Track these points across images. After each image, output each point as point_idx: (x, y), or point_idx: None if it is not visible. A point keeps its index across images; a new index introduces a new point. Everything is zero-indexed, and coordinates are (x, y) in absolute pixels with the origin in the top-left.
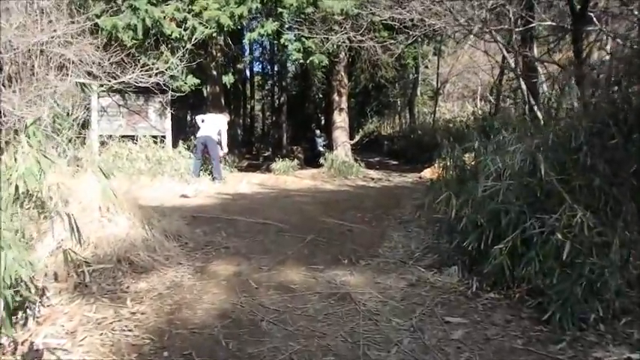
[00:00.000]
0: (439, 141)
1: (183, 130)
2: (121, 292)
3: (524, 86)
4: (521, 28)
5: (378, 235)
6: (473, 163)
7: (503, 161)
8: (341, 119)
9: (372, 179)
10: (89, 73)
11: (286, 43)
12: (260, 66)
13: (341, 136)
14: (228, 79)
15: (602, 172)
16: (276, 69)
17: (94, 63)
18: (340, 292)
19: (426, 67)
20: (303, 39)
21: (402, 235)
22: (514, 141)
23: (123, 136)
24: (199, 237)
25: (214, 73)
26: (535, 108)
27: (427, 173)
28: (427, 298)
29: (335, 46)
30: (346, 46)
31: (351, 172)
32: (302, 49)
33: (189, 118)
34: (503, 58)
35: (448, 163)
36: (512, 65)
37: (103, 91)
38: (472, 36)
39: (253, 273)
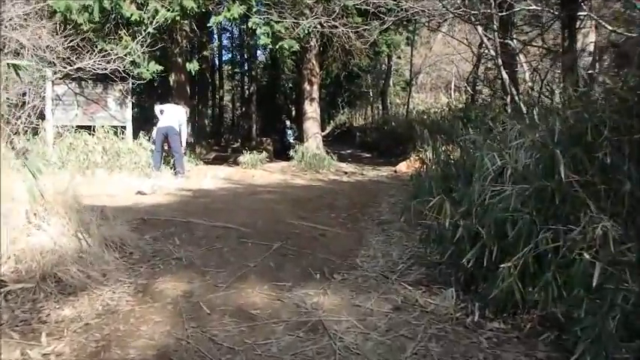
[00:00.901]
0: (416, 133)
1: (150, 121)
2: (38, 323)
3: (505, 75)
4: (504, 12)
5: (355, 240)
6: (460, 157)
7: (502, 158)
8: (312, 110)
9: (345, 173)
10: (42, 59)
11: (254, 27)
12: (230, 55)
13: (312, 127)
14: (192, 66)
15: (626, 173)
16: (245, 57)
17: (47, 47)
18: (311, 319)
19: (399, 57)
20: (273, 23)
21: (381, 241)
22: (516, 134)
23: (81, 127)
24: (147, 245)
25: (179, 60)
26: (517, 98)
27: (402, 167)
28: (418, 330)
29: (306, 32)
30: (318, 31)
31: (323, 165)
32: (271, 34)
33: (156, 107)
34: (480, 45)
35: (429, 157)
36: (493, 53)
37: (59, 78)
38: (447, 24)
39: (207, 293)
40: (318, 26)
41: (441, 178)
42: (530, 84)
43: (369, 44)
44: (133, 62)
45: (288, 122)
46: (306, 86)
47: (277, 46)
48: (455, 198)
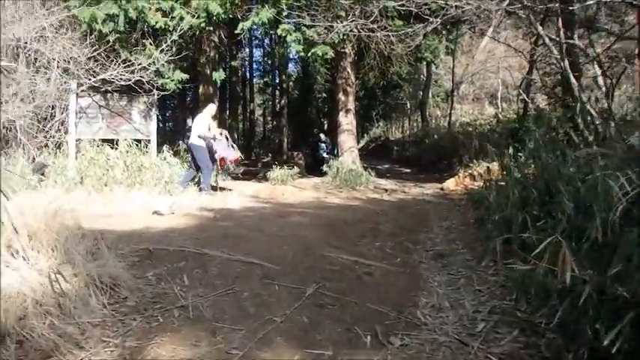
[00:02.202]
0: (463, 146)
1: (181, 134)
2: None
3: (574, 80)
4: (577, 5)
5: (411, 281)
6: (538, 175)
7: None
8: (347, 121)
9: (385, 191)
10: (66, 71)
11: (284, 34)
12: (261, 67)
13: (347, 140)
14: (218, 75)
15: None
16: (276, 69)
17: (72, 59)
18: None
19: (437, 67)
20: (304, 28)
21: (445, 283)
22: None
23: (104, 140)
24: (147, 287)
25: (207, 71)
26: (589, 107)
27: (450, 184)
28: None
29: (340, 38)
30: (354, 36)
31: (360, 181)
32: (303, 40)
33: (189, 121)
34: (534, 48)
35: (500, 175)
36: (557, 54)
37: (83, 90)
38: (492, 28)
39: None
40: (355, 30)
41: (519, 203)
42: (602, 89)
43: (410, 50)
44: (157, 72)
45: (322, 136)
46: (341, 96)
47: (310, 54)
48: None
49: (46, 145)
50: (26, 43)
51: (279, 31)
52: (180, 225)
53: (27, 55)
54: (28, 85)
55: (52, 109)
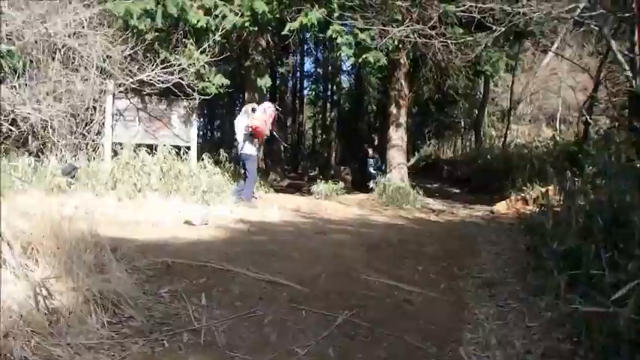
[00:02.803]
0: (516, 169)
1: (227, 143)
2: None
3: None
4: None
5: (454, 311)
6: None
7: None
8: (398, 136)
9: (433, 211)
10: (102, 70)
11: (335, 35)
12: (311, 79)
13: (397, 156)
14: (264, 82)
15: None
16: (327, 78)
17: (109, 57)
18: None
19: (495, 85)
20: (357, 31)
21: (492, 316)
22: None
23: (141, 145)
24: (158, 305)
25: (252, 77)
26: None
27: (501, 207)
28: None
29: (395, 44)
30: (409, 42)
31: (407, 200)
32: (354, 44)
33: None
34: (599, 67)
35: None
36: (628, 70)
37: (120, 91)
38: (556, 43)
39: None
40: (411, 36)
41: (582, 232)
42: None
43: (469, 62)
44: (197, 75)
45: (371, 151)
46: (393, 109)
47: (361, 59)
48: None
49: (82, 147)
50: (62, 38)
51: (329, 33)
52: (209, 237)
53: (62, 53)
54: (63, 84)
55: (89, 110)
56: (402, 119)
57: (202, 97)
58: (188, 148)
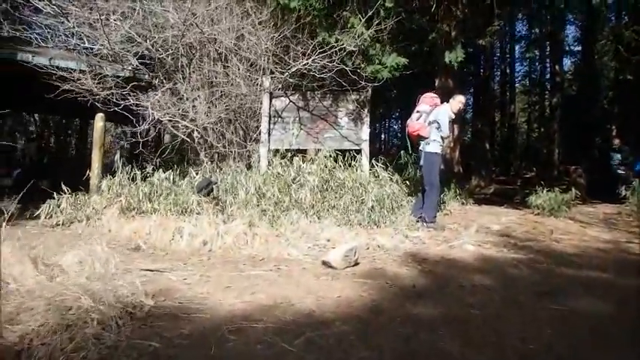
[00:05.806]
0: None
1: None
2: None
3: None
4: None
5: None
6: None
7: None
8: None
9: None
10: (253, 64)
11: None
12: (525, 65)
13: None
14: (453, 56)
15: None
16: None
17: (266, 50)
18: None
19: None
20: None
21: None
22: None
23: (299, 151)
24: None
25: (444, 53)
26: None
27: None
28: None
29: None
30: None
31: None
32: None
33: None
34: None
35: None
36: None
37: (278, 89)
38: None
39: None
40: None
41: None
42: None
43: None
44: (365, 56)
45: (616, 141)
46: None
47: None
48: None
49: (235, 157)
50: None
51: None
52: (336, 296)
53: (219, 53)
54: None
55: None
56: None
57: (373, 85)
58: (357, 151)
